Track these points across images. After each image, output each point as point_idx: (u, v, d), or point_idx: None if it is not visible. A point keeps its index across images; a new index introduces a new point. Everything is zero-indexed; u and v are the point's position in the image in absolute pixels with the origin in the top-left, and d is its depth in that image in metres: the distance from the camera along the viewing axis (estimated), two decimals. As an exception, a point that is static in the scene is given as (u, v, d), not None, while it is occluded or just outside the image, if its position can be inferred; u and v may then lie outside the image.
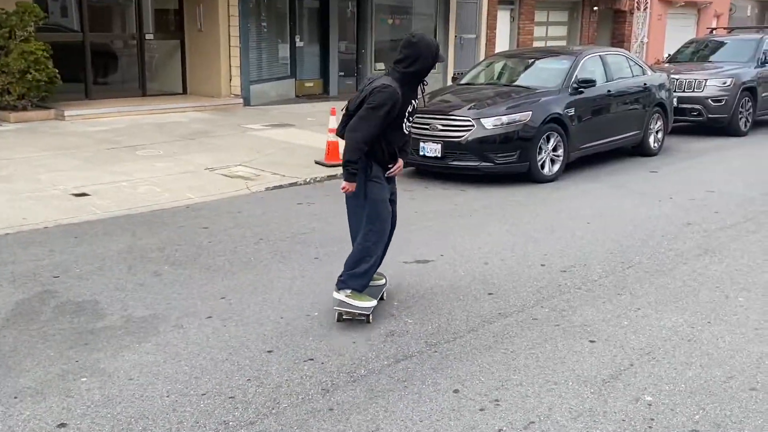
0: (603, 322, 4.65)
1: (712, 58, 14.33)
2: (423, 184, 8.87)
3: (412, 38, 4.49)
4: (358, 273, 4.58)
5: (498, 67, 10.81)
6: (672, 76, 12.43)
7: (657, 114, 10.93)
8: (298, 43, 16.73)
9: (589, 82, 9.50)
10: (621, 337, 4.44)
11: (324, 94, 17.18)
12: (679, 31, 24.26)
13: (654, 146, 10.92)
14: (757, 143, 12.32)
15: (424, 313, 4.79)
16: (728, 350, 4.26)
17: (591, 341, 4.37)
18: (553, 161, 9.06)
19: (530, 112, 8.76)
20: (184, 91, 15.17)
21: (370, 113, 4.38)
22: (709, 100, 12.69)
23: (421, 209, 7.58)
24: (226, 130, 11.92)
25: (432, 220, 7.10)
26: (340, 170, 9.13)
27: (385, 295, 4.96)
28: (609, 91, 9.93)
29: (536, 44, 20.66)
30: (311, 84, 17.13)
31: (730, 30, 17.60)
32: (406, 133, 4.62)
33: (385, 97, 4.36)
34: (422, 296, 5.09)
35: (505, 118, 8.67)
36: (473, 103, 9.01)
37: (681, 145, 11.94)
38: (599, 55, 10.27)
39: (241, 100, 14.58)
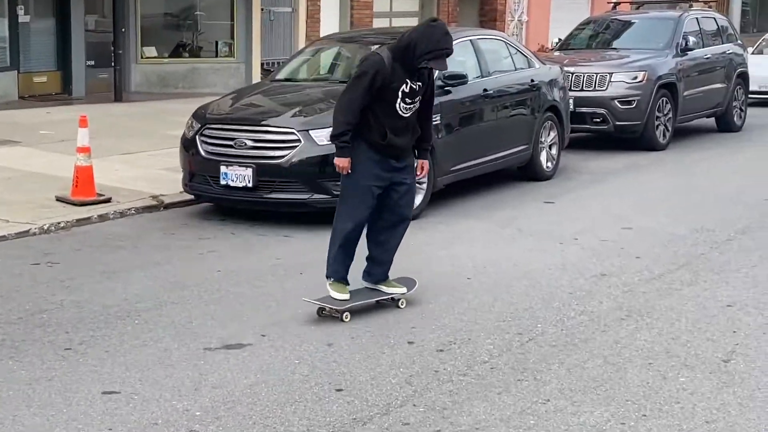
0: (501, 422, 4.75)
1: (616, 43, 15.32)
2: (227, 229, 8.81)
3: (432, 20, 6.16)
4: (327, 258, 6.38)
5: (327, 56, 10.98)
6: (565, 69, 12.97)
7: (549, 122, 11.51)
8: (22, 17, 16.30)
9: (459, 78, 9.84)
10: (528, 443, 4.56)
11: (64, 94, 16.85)
12: (569, 7, 25.67)
13: (547, 166, 11.50)
14: (679, 160, 13.25)
15: (243, 426, 4.70)
16: (673, 453, 4.49)
17: (487, 452, 4.47)
18: (412, 191, 9.27)
19: (378, 121, 8.94)
20: None
21: (353, 82, 6.11)
22: (616, 102, 13.51)
23: (227, 267, 7.50)
24: None
25: (243, 284, 7.03)
26: (97, 211, 9.07)
27: (402, 303, 6.50)
28: (485, 90, 10.37)
29: (378, 23, 21.20)
30: (44, 79, 16.77)
31: (639, 5, 18.76)
32: (403, 115, 6.13)
33: (368, 65, 6.05)
34: (237, 400, 5.00)
35: (343, 130, 8.81)
36: (298, 109, 9.11)
37: (582, 163, 12.65)
38: (470, 40, 10.71)
39: (-69, 105, 14.02)
